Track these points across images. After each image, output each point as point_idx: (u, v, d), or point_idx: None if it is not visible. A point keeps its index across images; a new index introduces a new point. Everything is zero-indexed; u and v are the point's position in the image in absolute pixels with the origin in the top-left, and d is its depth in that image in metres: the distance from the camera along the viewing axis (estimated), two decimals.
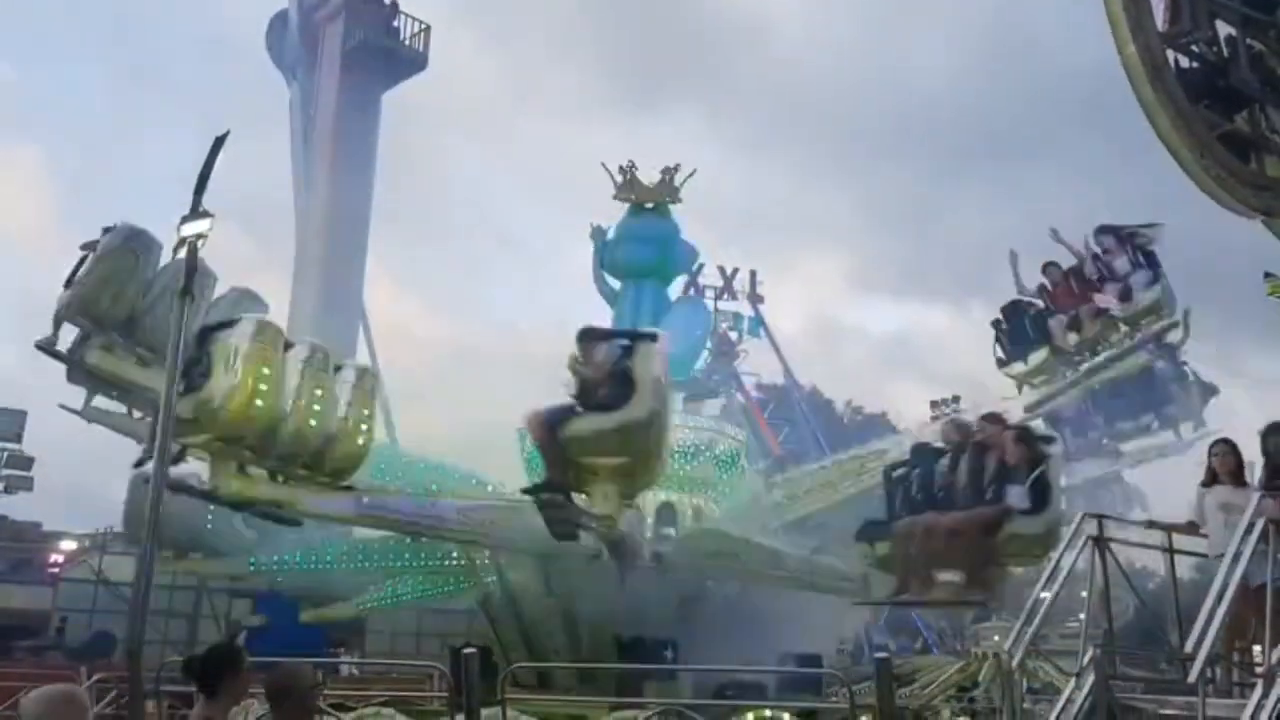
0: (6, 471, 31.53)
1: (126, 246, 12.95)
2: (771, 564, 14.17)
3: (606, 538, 11.71)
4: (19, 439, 31.68)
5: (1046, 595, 7.50)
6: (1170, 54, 6.93)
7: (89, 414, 14.01)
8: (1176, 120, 6.62)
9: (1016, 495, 9.71)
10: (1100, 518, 7.41)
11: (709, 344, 42.85)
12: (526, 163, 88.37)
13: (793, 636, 13.99)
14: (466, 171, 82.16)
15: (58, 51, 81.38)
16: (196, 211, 9.87)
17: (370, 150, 37.15)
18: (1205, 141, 6.77)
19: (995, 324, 17.74)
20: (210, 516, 15.97)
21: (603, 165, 18.23)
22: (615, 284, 18.57)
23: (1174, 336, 17.25)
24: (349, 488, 12.20)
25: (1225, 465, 7.28)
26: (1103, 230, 16.47)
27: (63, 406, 14.04)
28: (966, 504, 9.88)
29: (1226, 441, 7.76)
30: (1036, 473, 9.75)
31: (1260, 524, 5.93)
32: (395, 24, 39.11)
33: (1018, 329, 17.45)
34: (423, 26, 39.74)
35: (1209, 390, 17.99)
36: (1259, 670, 5.95)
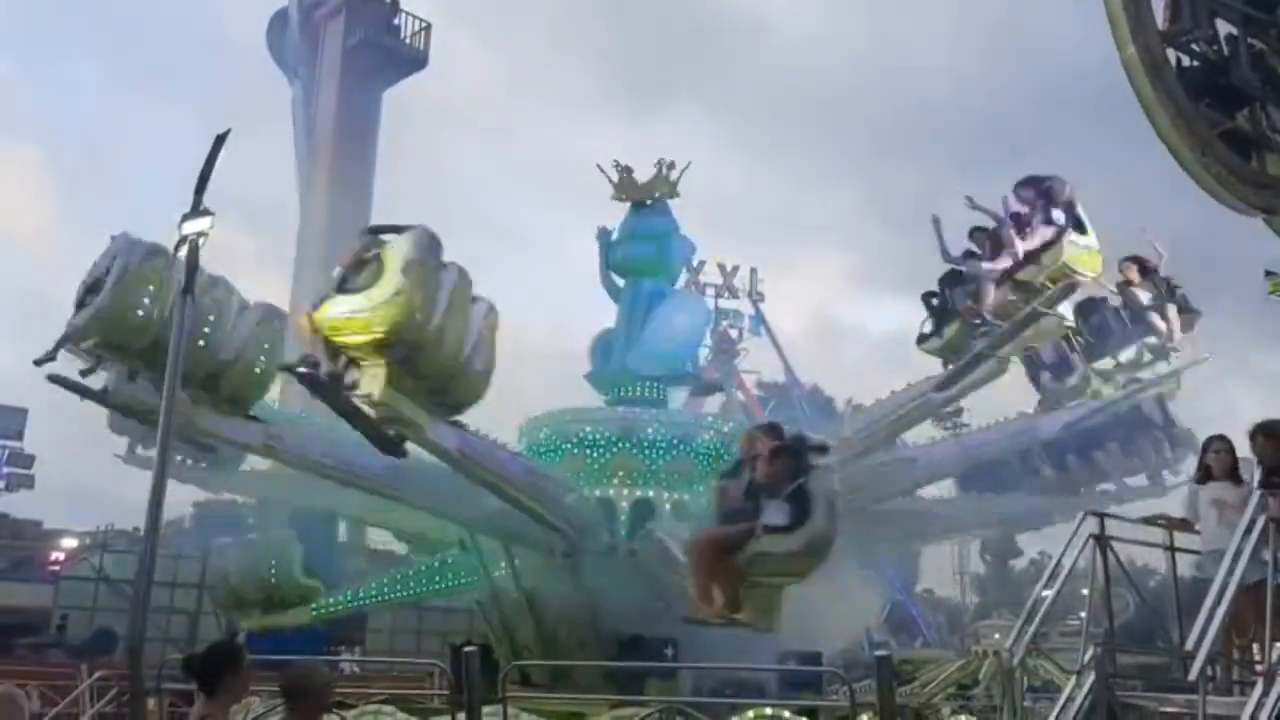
0: (8, 469, 31.62)
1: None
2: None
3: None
4: (20, 437, 31.75)
5: (1048, 593, 7.50)
6: (1170, 52, 6.93)
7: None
8: (1177, 119, 6.61)
9: (772, 511, 9.05)
10: (1102, 516, 7.41)
11: (709, 341, 43.00)
12: (526, 160, 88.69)
13: (794, 635, 13.98)
14: (466, 169, 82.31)
15: (58, 50, 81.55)
16: (197, 210, 9.88)
17: (371, 148, 37.21)
18: (1206, 140, 6.76)
19: (925, 297, 15.53)
20: (274, 570, 17.38)
21: (598, 167, 18.23)
22: (621, 282, 18.61)
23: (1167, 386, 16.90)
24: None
25: (1221, 463, 7.29)
26: (1022, 184, 14.05)
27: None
28: (728, 520, 9.35)
29: (1223, 439, 7.71)
30: (792, 487, 9.06)
31: (1260, 522, 5.94)
32: (396, 22, 39.16)
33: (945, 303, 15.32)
34: (423, 25, 39.81)
35: (1189, 440, 17.71)
36: (1259, 668, 5.96)
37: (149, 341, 11.52)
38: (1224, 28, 7.26)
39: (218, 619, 22.88)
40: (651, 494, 15.33)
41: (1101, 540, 7.13)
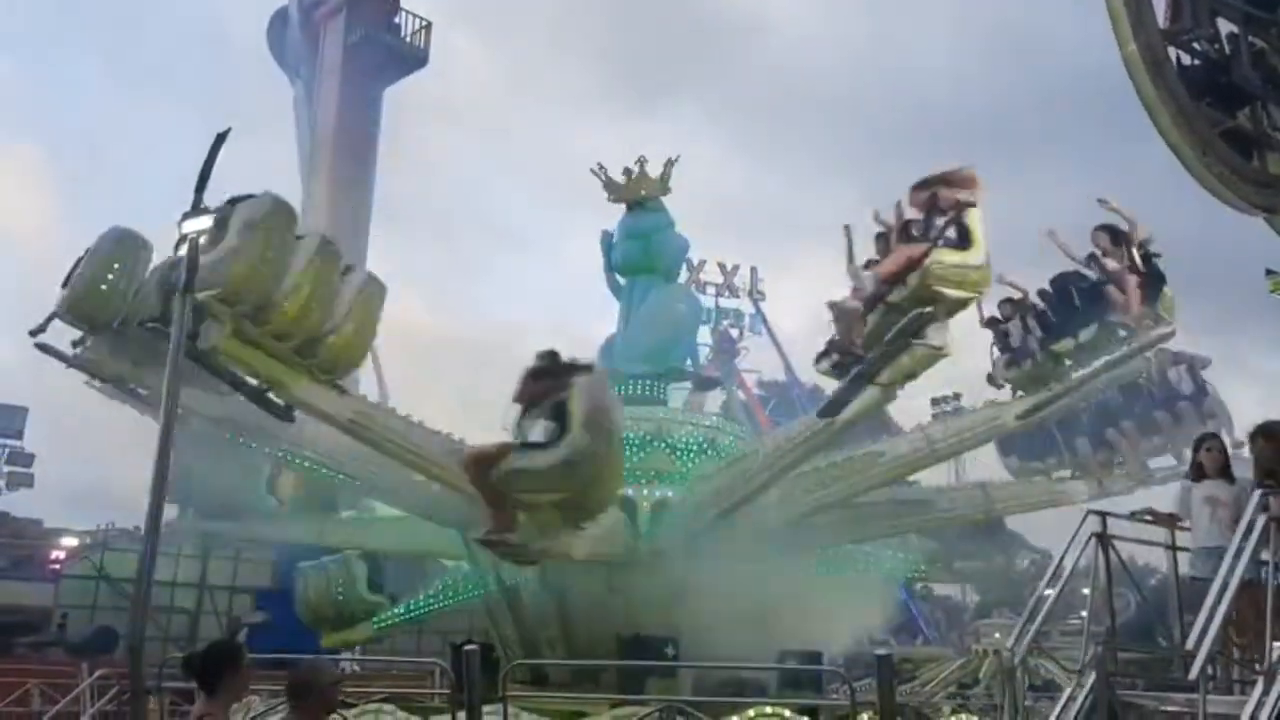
0: (8, 468, 31.67)
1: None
2: None
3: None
4: (20, 436, 31.79)
5: (1050, 592, 7.50)
6: (1171, 51, 6.93)
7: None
8: (1178, 118, 6.61)
9: (532, 430, 9.53)
10: (1104, 514, 7.41)
11: (709, 339, 43.00)
12: (526, 159, 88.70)
13: (793, 633, 13.98)
14: (466, 167, 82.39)
15: (57, 49, 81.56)
16: (198, 208, 9.89)
17: (371, 146, 37.23)
18: (1207, 139, 6.76)
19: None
20: (340, 588, 17.83)
21: (591, 170, 18.17)
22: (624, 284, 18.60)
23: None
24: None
25: (1214, 461, 7.31)
26: (916, 186, 12.25)
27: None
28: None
29: (1215, 437, 7.85)
30: (550, 404, 9.53)
31: (1261, 522, 5.94)
32: (396, 20, 39.18)
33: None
34: (423, 23, 39.83)
35: (1221, 412, 16.56)
36: (1259, 667, 5.96)
37: (118, 317, 12.15)
38: (1225, 26, 7.26)
39: (218, 618, 22.93)
40: (672, 494, 15.21)
41: (1103, 539, 7.14)
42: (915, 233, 11.93)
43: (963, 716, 13.33)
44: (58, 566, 26.80)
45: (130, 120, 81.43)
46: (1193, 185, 6.86)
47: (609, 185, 17.96)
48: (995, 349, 14.96)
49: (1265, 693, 5.34)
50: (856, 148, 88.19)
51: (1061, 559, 7.42)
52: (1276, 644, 5.70)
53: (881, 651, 9.51)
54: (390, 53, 38.18)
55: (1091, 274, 14.11)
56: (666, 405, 17.69)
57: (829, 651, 14.03)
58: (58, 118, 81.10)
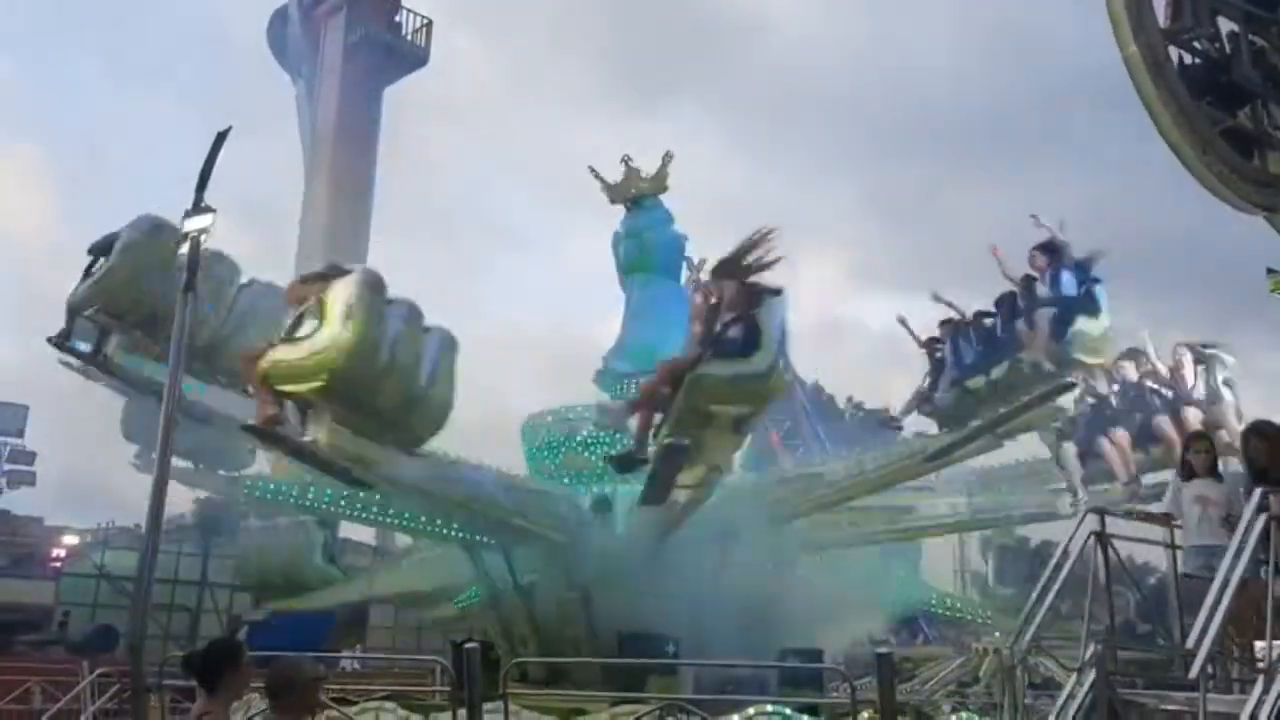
0: (9, 466, 31.66)
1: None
2: None
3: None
4: (21, 434, 31.79)
5: (1049, 590, 7.51)
6: (1172, 50, 6.93)
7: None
8: (1178, 117, 6.62)
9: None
10: (1103, 513, 7.42)
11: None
12: (527, 158, 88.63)
13: (794, 632, 13.99)
14: (467, 166, 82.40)
15: (57, 48, 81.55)
16: (199, 207, 9.91)
17: (371, 145, 37.23)
18: (1207, 138, 6.77)
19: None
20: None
21: (592, 172, 18.15)
22: None
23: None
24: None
25: (1203, 461, 7.35)
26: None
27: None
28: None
29: (1204, 437, 7.89)
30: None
31: (1261, 521, 5.95)
32: (397, 19, 39.17)
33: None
34: (424, 22, 39.83)
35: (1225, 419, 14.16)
36: (1260, 666, 5.97)
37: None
38: (1225, 25, 7.27)
39: (219, 616, 22.94)
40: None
41: (1102, 538, 7.15)
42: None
43: (963, 715, 13.33)
44: (59, 564, 26.83)
45: (130, 119, 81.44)
46: (1193, 184, 6.87)
47: (605, 186, 17.97)
48: (927, 374, 13.91)
49: (1265, 691, 5.35)
50: (857, 147, 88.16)
51: (1060, 557, 7.43)
52: (1277, 643, 5.70)
53: (882, 650, 9.53)
54: (391, 51, 38.18)
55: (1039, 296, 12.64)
56: None
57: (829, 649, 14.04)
58: (57, 117, 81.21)
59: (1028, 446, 14.76)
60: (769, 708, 10.72)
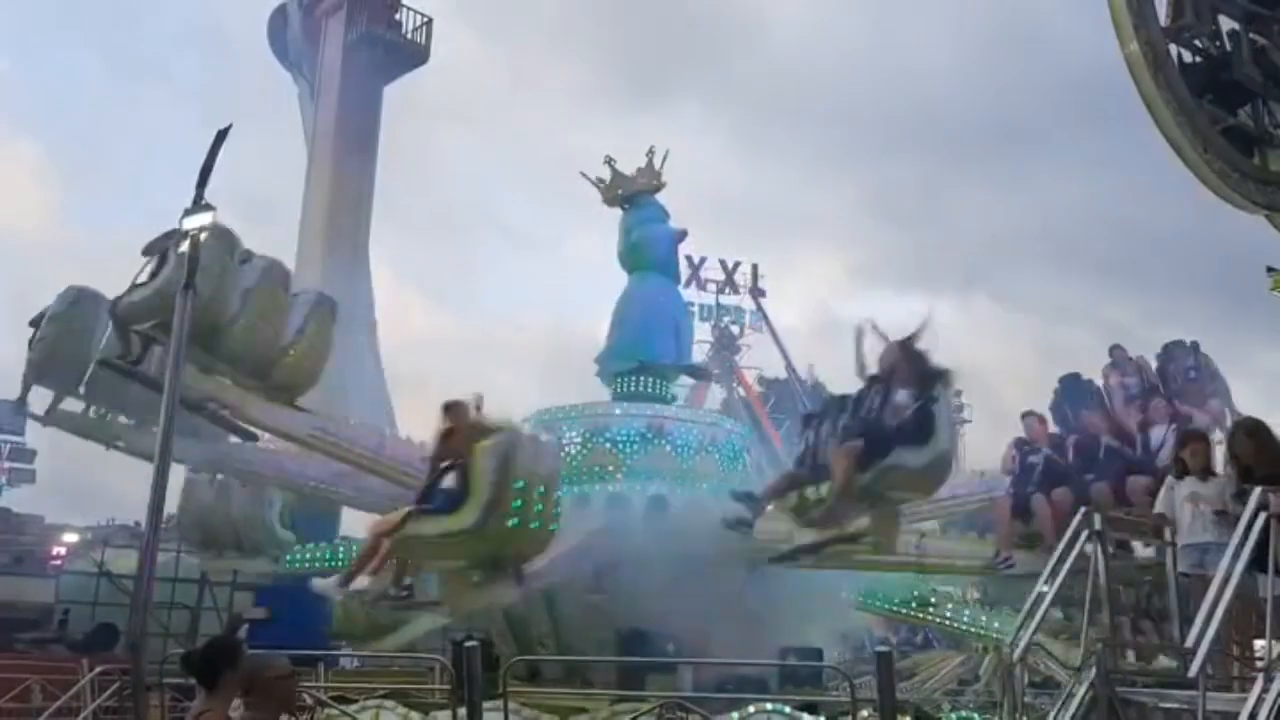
0: (9, 464, 31.73)
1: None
2: None
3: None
4: (22, 432, 31.82)
5: (1048, 589, 7.50)
6: (1173, 49, 6.93)
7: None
8: (1179, 115, 6.61)
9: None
10: (1102, 514, 7.42)
11: (711, 336, 42.97)
12: (527, 156, 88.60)
13: (793, 631, 13.98)
14: (467, 164, 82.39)
15: (57, 45, 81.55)
16: (199, 204, 9.91)
17: (371, 143, 37.14)
18: (1208, 136, 6.76)
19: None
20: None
21: (594, 175, 18.10)
22: None
23: None
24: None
25: (1196, 460, 7.34)
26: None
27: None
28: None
29: (1200, 438, 7.85)
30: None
31: (1260, 520, 5.94)
32: (397, 17, 39.08)
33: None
34: (424, 20, 39.72)
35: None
36: (1259, 664, 5.97)
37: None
38: (1226, 23, 7.27)
39: (219, 614, 22.93)
40: (665, 491, 15.10)
41: (1101, 536, 7.14)
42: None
43: (963, 713, 13.35)
44: (59, 563, 26.85)
45: (130, 117, 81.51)
46: (1193, 182, 6.86)
47: (599, 188, 17.99)
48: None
49: (1265, 690, 5.34)
50: (856, 146, 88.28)
51: (1059, 556, 7.42)
52: (1276, 642, 5.70)
53: (881, 648, 9.52)
54: (391, 50, 38.08)
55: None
56: (669, 402, 17.65)
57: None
58: (57, 115, 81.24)
59: None
60: (769, 706, 10.73)
